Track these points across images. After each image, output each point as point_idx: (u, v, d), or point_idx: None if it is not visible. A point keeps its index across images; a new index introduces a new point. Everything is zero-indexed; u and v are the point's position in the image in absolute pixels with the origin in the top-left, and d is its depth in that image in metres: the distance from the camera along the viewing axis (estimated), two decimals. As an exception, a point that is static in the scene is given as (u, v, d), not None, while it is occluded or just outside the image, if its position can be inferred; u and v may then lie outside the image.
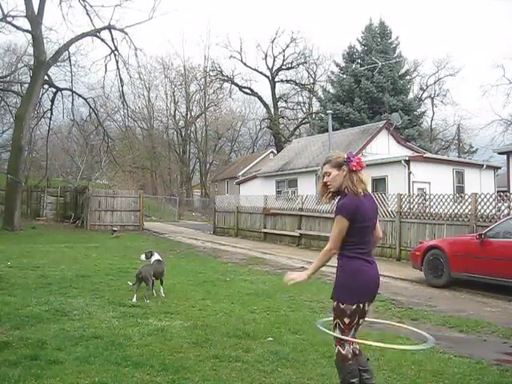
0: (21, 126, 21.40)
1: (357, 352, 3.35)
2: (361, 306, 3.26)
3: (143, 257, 7.59)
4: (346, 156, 3.36)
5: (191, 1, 71.88)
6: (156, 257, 7.57)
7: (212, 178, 51.82)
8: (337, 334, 3.29)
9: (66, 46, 23.68)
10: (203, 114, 49.87)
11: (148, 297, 6.95)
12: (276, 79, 43.60)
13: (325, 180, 3.40)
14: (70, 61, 25.30)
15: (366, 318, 3.44)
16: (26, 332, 5.02)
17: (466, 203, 11.78)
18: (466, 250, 9.04)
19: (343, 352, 3.28)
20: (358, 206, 3.26)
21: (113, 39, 24.34)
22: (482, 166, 20.08)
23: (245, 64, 42.88)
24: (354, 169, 3.30)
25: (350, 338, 3.28)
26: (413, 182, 17.40)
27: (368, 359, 3.53)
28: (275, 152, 38.86)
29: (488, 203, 11.15)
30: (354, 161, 3.31)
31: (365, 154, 20.96)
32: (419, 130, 33.17)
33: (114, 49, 24.68)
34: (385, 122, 23.59)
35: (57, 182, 30.73)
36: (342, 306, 3.24)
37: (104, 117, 33.49)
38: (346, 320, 3.26)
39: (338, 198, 3.41)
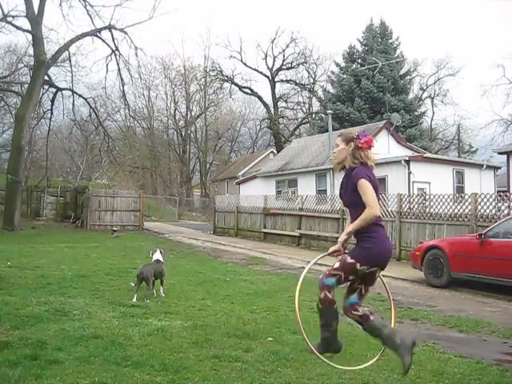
0: (21, 126, 21.40)
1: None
2: (372, 269, 3.43)
3: (157, 254, 7.60)
4: (356, 133, 3.54)
5: (191, 1, 71.92)
6: (156, 256, 7.57)
7: (212, 177, 51.79)
8: (327, 280, 3.46)
9: (67, 46, 23.67)
10: (203, 114, 49.84)
11: (148, 297, 6.95)
12: (276, 79, 43.56)
13: (333, 150, 3.65)
14: (70, 61, 25.32)
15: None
16: (26, 332, 5.02)
17: (466, 203, 11.78)
18: (465, 250, 9.04)
19: (330, 296, 3.45)
20: (368, 173, 3.46)
21: (113, 39, 24.34)
22: (482, 166, 20.09)
23: (245, 64, 42.87)
24: (360, 145, 3.48)
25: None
26: (413, 181, 17.40)
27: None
28: (275, 152, 38.83)
29: (488, 203, 11.15)
30: (363, 139, 3.49)
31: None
32: (420, 129, 33.20)
33: (114, 49, 24.66)
34: (385, 122, 23.58)
35: (57, 182, 30.71)
36: (357, 266, 3.38)
37: (104, 117, 33.48)
38: (351, 277, 3.45)
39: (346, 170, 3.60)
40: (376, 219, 3.40)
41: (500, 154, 19.77)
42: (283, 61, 42.36)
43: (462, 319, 6.51)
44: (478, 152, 42.66)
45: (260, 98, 44.41)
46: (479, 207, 11.28)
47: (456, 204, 12.22)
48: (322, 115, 36.49)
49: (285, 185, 24.16)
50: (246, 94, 46.26)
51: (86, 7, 23.16)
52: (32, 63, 24.57)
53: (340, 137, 3.62)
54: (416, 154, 20.82)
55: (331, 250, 3.59)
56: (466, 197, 12.07)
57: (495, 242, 8.56)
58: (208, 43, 53.08)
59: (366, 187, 3.37)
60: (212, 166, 56.08)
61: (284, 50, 41.82)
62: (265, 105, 44.62)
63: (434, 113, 45.38)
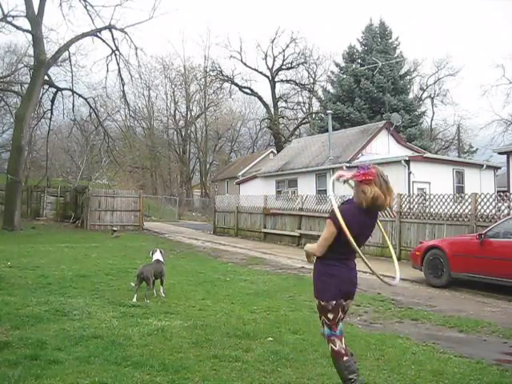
0: (21, 126, 21.40)
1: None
2: (340, 301, 3.46)
3: (157, 254, 7.61)
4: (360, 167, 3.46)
5: (191, 1, 71.93)
6: (156, 256, 7.58)
7: (212, 177, 51.80)
8: (326, 331, 3.50)
9: (67, 46, 23.68)
10: (203, 114, 49.87)
11: (148, 297, 6.95)
12: (276, 79, 43.54)
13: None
14: (70, 61, 25.35)
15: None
16: (26, 332, 5.02)
17: (466, 203, 11.77)
18: (465, 250, 9.04)
19: (336, 348, 3.44)
20: (349, 215, 3.32)
21: (113, 39, 24.35)
22: (482, 166, 20.08)
23: (245, 64, 42.85)
24: (356, 179, 3.41)
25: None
26: (413, 181, 17.40)
27: (352, 354, 3.63)
28: (275, 152, 38.82)
29: (488, 203, 11.14)
30: (360, 172, 3.38)
31: (365, 154, 20.96)
32: (420, 129, 33.21)
33: (114, 49, 24.66)
34: (385, 122, 23.58)
35: (57, 182, 30.73)
36: (322, 303, 3.47)
37: (104, 117, 33.49)
38: (330, 315, 3.47)
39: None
40: (339, 254, 3.39)
41: (500, 154, 19.76)
42: (283, 61, 42.37)
43: (462, 319, 6.51)
44: (478, 152, 42.77)
45: (260, 98, 44.41)
46: (479, 207, 11.27)
47: (456, 204, 12.22)
48: (322, 115, 36.48)
49: (285, 185, 24.17)
50: (246, 94, 46.28)
51: (86, 7, 23.21)
52: (32, 63, 24.59)
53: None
54: (416, 153, 20.82)
55: (337, 175, 3.56)
56: (466, 197, 12.07)
57: (495, 242, 8.56)
58: (208, 43, 53.26)
59: (326, 228, 3.39)
60: (212, 166, 56.10)
61: (284, 50, 41.84)
62: (265, 105, 44.62)
63: (433, 113, 45.49)
